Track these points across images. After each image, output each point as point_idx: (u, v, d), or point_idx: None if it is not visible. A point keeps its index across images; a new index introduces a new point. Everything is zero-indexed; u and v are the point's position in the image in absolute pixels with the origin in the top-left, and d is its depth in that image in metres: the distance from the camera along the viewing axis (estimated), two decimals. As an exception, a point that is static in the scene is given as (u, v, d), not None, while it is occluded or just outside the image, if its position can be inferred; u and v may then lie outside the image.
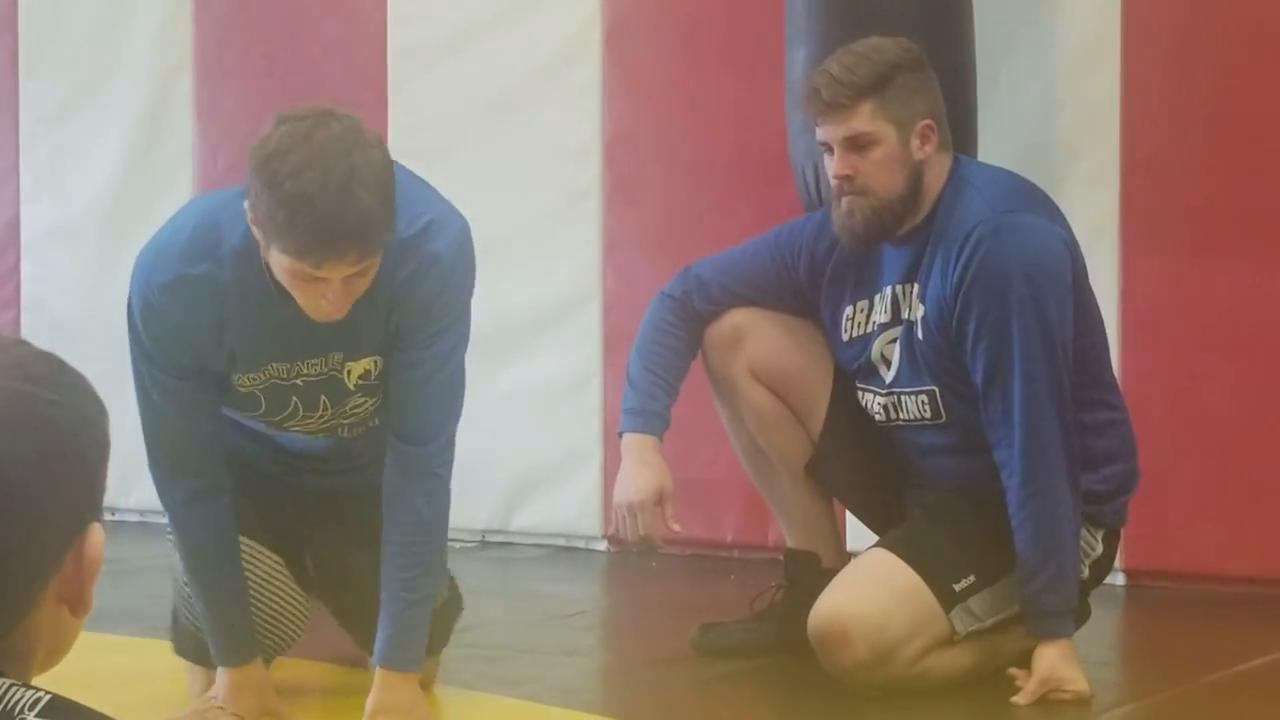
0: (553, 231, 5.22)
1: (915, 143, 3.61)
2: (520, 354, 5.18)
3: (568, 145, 5.20)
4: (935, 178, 3.65)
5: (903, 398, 3.71)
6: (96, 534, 1.31)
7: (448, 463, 3.20)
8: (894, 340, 3.71)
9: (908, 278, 3.68)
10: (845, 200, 3.62)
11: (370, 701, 3.19)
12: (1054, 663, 3.53)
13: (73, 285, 5.77)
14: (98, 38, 5.76)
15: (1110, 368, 3.79)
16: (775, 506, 4.00)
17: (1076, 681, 3.53)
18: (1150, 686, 3.79)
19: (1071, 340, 3.59)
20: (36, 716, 1.25)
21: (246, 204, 2.93)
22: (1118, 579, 4.64)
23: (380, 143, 2.94)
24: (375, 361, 3.18)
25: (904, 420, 3.73)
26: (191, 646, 3.43)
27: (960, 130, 4.09)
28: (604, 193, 5.18)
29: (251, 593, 3.29)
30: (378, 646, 3.21)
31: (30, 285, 5.89)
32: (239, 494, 3.26)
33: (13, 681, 1.27)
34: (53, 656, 1.33)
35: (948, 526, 3.67)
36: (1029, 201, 3.66)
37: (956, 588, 3.61)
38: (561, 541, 5.17)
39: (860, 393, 3.79)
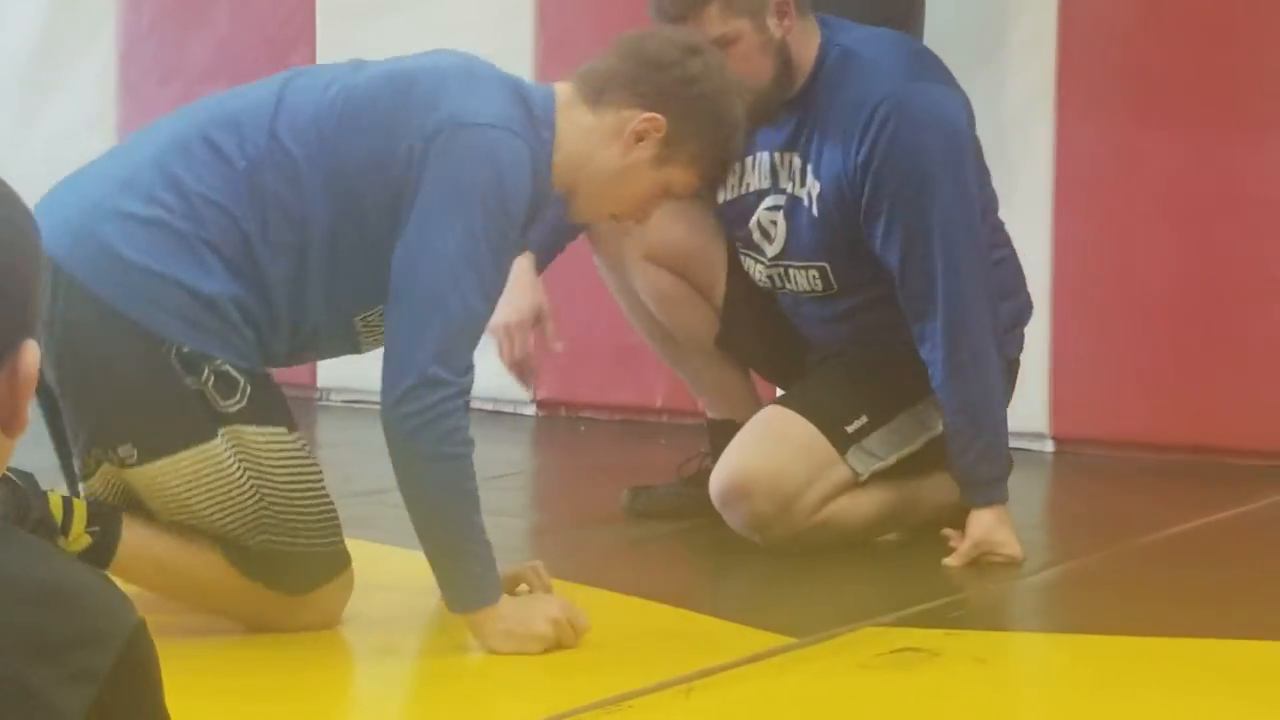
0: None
1: (773, 23, 3.52)
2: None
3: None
4: (804, 47, 3.57)
5: (790, 270, 3.69)
6: (31, 351, 1.26)
7: None
8: (776, 208, 3.66)
9: (788, 146, 3.62)
10: None
11: None
12: (989, 526, 3.55)
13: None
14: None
15: (997, 207, 3.76)
16: (690, 381, 4.01)
17: (1010, 545, 3.56)
18: (1078, 550, 3.81)
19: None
20: None
21: (646, 116, 3.01)
22: (1047, 445, 4.66)
23: None
24: None
25: (791, 290, 3.72)
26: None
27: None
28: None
29: None
30: None
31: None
32: None
33: None
34: None
35: (839, 373, 3.70)
36: (926, 68, 3.59)
37: (849, 429, 3.64)
38: (490, 405, 5.14)
39: (743, 257, 3.76)
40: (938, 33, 4.39)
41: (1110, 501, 4.29)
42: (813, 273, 3.66)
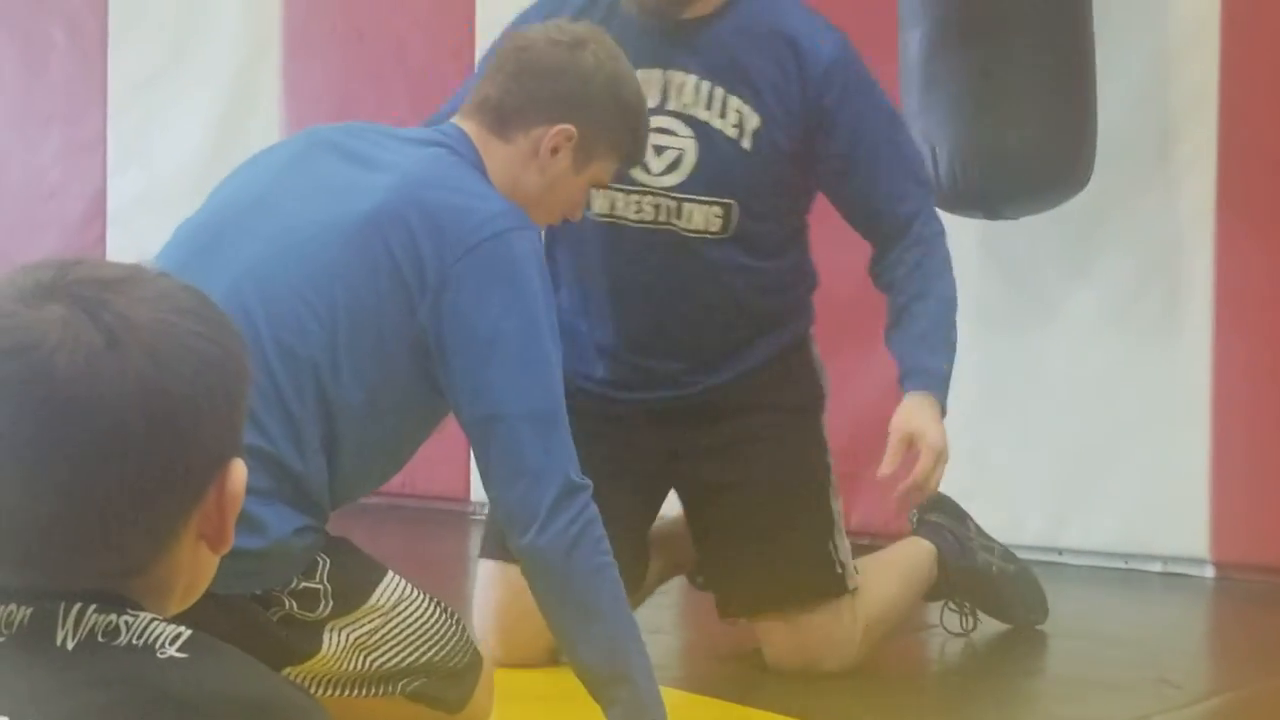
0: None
1: None
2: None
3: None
4: None
5: (687, 205, 3.51)
6: (238, 469, 1.29)
7: None
8: (669, 133, 3.48)
9: (694, 69, 3.47)
10: None
11: None
12: (908, 414, 3.43)
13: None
14: (188, 6, 5.77)
15: None
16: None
17: (930, 432, 3.40)
18: (1242, 679, 3.75)
19: None
20: (177, 651, 1.23)
21: (555, 131, 2.96)
22: (1208, 571, 4.59)
23: None
24: None
25: (680, 228, 3.52)
26: None
27: (1082, 106, 4.08)
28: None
29: None
30: None
31: (116, 255, 5.89)
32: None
33: (153, 616, 1.26)
34: (190, 592, 1.32)
35: (784, 533, 3.60)
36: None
37: (840, 571, 3.62)
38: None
39: (601, 195, 3.49)
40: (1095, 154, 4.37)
41: (1274, 628, 4.21)
42: (715, 210, 3.50)
